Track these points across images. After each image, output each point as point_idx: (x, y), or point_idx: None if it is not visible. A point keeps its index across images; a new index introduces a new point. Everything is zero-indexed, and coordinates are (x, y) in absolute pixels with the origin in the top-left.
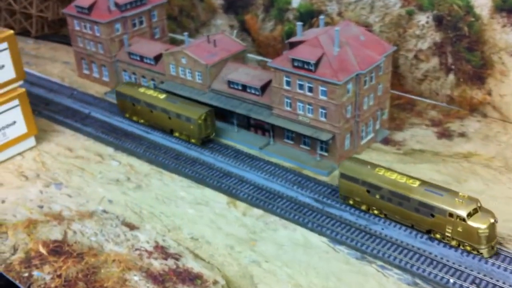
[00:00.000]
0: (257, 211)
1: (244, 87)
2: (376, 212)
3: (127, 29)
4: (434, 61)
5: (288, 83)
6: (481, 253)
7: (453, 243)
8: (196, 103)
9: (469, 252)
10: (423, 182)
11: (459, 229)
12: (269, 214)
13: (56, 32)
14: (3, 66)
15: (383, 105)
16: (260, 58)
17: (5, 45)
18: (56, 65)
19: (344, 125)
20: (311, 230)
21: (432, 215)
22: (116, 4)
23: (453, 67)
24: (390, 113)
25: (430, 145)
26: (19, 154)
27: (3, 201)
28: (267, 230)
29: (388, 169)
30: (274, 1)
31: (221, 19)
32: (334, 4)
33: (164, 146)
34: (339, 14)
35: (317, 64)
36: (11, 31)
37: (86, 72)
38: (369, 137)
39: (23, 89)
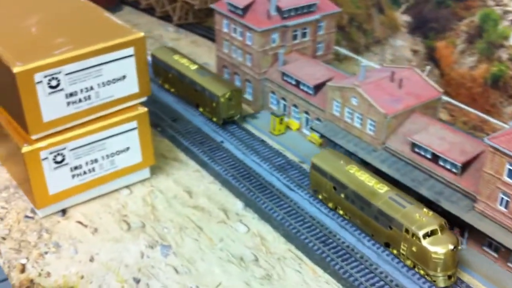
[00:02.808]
0: None
1: (436, 158)
2: (341, 212)
3: (286, 41)
4: None
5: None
6: (434, 281)
7: (408, 262)
8: (226, 80)
9: (423, 277)
10: (392, 189)
11: (414, 248)
12: None
13: (200, 22)
14: (124, 76)
15: None
16: (447, 98)
17: (131, 50)
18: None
19: None
20: None
21: (390, 227)
22: (278, 9)
23: None
24: None
25: None
26: (127, 187)
27: (91, 259)
28: None
29: (361, 169)
30: (483, 31)
31: (402, 39)
32: None
33: (313, 217)
34: None
35: None
36: (141, 34)
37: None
38: None
39: (144, 109)
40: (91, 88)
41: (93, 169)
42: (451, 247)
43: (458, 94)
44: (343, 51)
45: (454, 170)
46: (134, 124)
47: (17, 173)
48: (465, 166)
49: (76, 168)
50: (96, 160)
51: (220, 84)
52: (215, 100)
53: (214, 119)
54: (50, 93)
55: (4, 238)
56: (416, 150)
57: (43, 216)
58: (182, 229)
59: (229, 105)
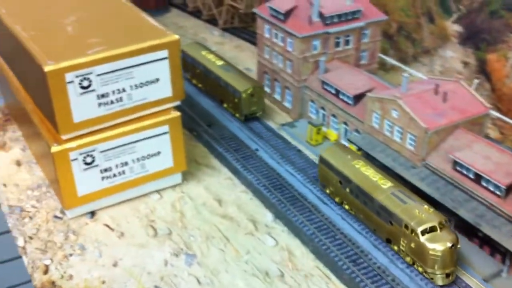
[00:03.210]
0: None
1: (478, 178)
2: (347, 207)
3: (328, 48)
4: None
5: None
6: (432, 279)
7: (407, 259)
8: (248, 76)
9: (421, 274)
10: (395, 186)
11: (412, 245)
12: None
13: (245, 26)
14: (157, 79)
15: None
16: (497, 114)
17: (165, 53)
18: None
19: None
20: None
21: (391, 223)
22: (321, 15)
23: None
24: None
25: None
26: (158, 191)
27: (115, 264)
28: None
29: (368, 164)
30: None
31: (453, 50)
32: None
33: (345, 235)
34: None
35: None
36: (176, 37)
37: (266, 90)
38: None
39: (177, 113)
40: (123, 90)
41: (123, 172)
42: (449, 244)
43: (510, 110)
44: (390, 60)
45: (497, 192)
46: (166, 128)
47: (48, 172)
48: (511, 188)
49: (105, 170)
50: (126, 163)
51: (242, 80)
52: (237, 96)
53: (237, 115)
54: (82, 94)
55: (31, 238)
56: (458, 168)
57: (72, 217)
58: (209, 238)
59: (251, 101)
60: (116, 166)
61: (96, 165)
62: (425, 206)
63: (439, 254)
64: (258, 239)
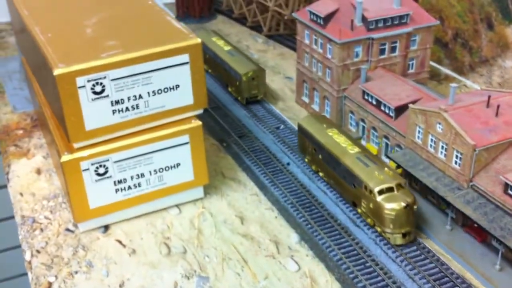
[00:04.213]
0: None
1: None
2: (321, 174)
3: (371, 56)
4: None
5: None
6: (389, 238)
7: (369, 220)
8: (252, 60)
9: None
10: (363, 151)
11: (371, 205)
12: None
13: (291, 33)
14: (177, 86)
15: None
16: None
17: (185, 57)
18: (276, 79)
19: None
20: None
21: (354, 185)
22: (364, 19)
23: None
24: None
25: None
26: (177, 206)
27: (122, 284)
28: None
29: (340, 132)
30: None
31: None
32: None
33: (377, 262)
34: None
35: None
36: (198, 40)
37: (305, 99)
38: None
39: (198, 123)
40: (140, 96)
41: (139, 184)
42: (403, 204)
43: None
44: (443, 69)
45: None
46: (186, 138)
47: (62, 182)
48: None
49: (120, 182)
50: (142, 175)
51: (245, 64)
52: (238, 79)
53: (239, 98)
54: (94, 99)
55: (38, 252)
56: (510, 192)
57: (83, 231)
58: (225, 260)
59: (252, 84)
60: (131, 177)
61: (110, 176)
62: (386, 169)
63: (394, 213)
64: (279, 262)
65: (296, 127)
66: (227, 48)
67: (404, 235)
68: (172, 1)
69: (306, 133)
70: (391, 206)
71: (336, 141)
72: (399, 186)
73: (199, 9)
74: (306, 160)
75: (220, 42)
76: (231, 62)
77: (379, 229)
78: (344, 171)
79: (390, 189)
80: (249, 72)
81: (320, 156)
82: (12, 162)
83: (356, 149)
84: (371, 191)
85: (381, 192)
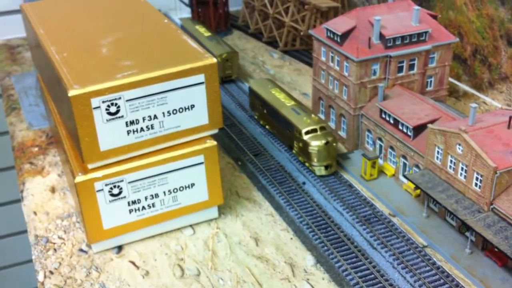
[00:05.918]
0: None
1: None
2: (268, 127)
3: (389, 73)
4: None
5: None
6: (314, 171)
7: (300, 158)
8: (228, 45)
9: (308, 168)
10: (297, 104)
11: (300, 144)
12: None
13: (307, 49)
14: (193, 106)
15: None
16: None
17: (201, 78)
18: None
19: None
20: None
21: (289, 130)
22: (381, 37)
23: None
24: None
25: None
26: (191, 226)
27: None
28: None
29: (282, 91)
30: None
31: None
32: None
33: (395, 287)
34: None
35: None
36: (214, 60)
37: (321, 117)
38: None
39: (213, 143)
40: (155, 116)
41: (153, 205)
42: (324, 141)
43: None
44: (462, 86)
45: None
46: (200, 158)
47: (76, 202)
48: None
49: (134, 202)
50: (156, 195)
51: (220, 46)
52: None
53: None
54: (109, 120)
55: (51, 273)
56: None
57: (97, 252)
58: (240, 283)
59: (226, 65)
60: (146, 198)
61: (124, 197)
62: (313, 116)
63: (317, 149)
64: (294, 286)
65: None
66: (207, 34)
67: (326, 167)
68: (188, 16)
69: (254, 93)
70: (315, 143)
71: (277, 97)
72: (322, 128)
73: (215, 24)
74: (256, 116)
75: (203, 30)
76: (209, 45)
77: (307, 164)
78: (282, 120)
79: (314, 130)
80: (223, 53)
81: (265, 111)
82: (26, 180)
83: (292, 103)
84: (300, 133)
85: (307, 132)
